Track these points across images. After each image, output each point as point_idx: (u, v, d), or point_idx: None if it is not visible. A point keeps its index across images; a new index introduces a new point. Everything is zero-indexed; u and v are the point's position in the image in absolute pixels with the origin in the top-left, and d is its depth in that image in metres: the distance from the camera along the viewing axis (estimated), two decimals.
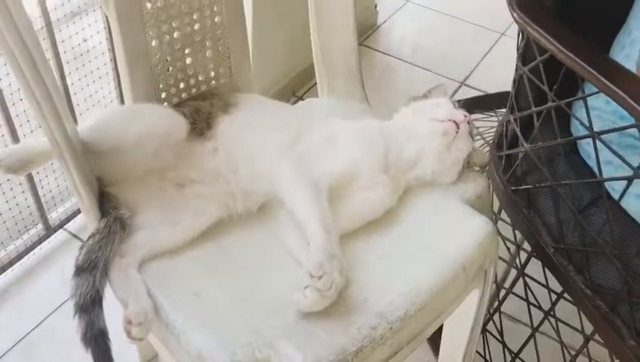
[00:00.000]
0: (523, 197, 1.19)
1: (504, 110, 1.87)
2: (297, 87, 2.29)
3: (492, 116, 1.86)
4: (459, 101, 1.14)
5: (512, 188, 1.22)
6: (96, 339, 0.87)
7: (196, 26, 1.10)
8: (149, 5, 1.03)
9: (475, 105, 1.90)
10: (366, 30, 2.57)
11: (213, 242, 1.00)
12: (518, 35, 1.19)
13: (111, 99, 1.73)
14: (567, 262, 1.09)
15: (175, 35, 1.09)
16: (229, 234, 1.02)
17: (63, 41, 1.57)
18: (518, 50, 1.19)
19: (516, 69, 1.20)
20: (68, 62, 1.57)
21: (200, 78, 1.17)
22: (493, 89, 2.33)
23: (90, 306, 0.87)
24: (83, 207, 0.97)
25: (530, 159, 1.17)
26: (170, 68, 1.12)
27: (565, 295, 1.14)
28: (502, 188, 1.25)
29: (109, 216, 0.95)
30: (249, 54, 1.22)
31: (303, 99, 2.27)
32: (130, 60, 1.04)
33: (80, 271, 0.90)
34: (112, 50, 1.51)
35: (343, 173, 1.00)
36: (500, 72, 2.38)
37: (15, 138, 1.49)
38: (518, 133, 1.19)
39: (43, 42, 1.48)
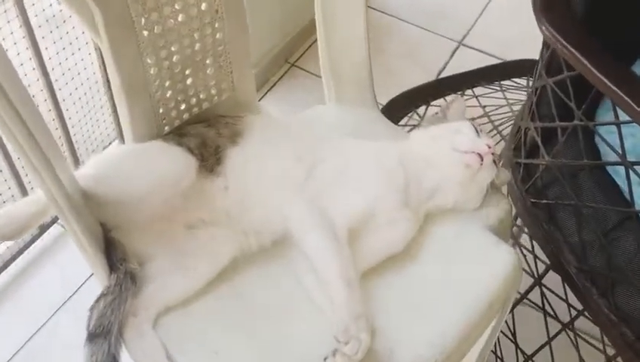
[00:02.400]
0: (543, 211, 1.15)
1: (509, 83, 1.82)
2: (290, 53, 2.18)
3: (497, 91, 1.79)
4: (474, 120, 1.07)
5: (532, 200, 1.17)
6: None
7: (197, 46, 1.01)
8: (145, 33, 0.93)
9: (477, 77, 1.82)
10: None
11: (229, 286, 0.95)
12: (544, 46, 1.11)
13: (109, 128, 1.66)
14: (590, 285, 1.06)
15: (174, 58, 1.00)
16: (244, 275, 0.97)
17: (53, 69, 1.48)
18: (541, 58, 1.12)
19: (539, 76, 1.13)
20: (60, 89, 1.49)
21: (201, 97, 1.09)
22: (493, 49, 2.25)
23: None
24: (89, 261, 0.91)
25: (551, 171, 1.12)
26: (170, 92, 1.03)
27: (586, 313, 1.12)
28: (520, 197, 1.20)
29: (119, 271, 0.89)
30: (250, 62, 1.13)
31: (296, 66, 2.17)
32: (128, 92, 0.95)
33: (93, 336, 0.85)
34: (107, 81, 1.41)
35: (362, 212, 0.95)
36: (498, 31, 2.30)
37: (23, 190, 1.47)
38: (540, 144, 1.13)
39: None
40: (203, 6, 0.97)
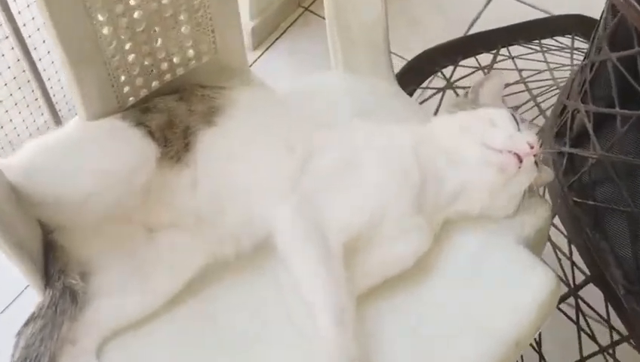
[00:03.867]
0: (588, 214, 0.94)
1: (551, 43, 1.57)
2: None
3: (537, 52, 1.54)
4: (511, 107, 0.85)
5: (575, 198, 0.96)
6: None
7: (168, 14, 0.79)
8: None
9: (514, 34, 1.57)
10: None
11: (193, 303, 0.77)
12: (608, 11, 0.87)
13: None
14: None
15: (135, 15, 0.79)
16: (212, 289, 0.78)
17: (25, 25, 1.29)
18: (603, 25, 0.88)
19: (596, 49, 0.90)
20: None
21: (175, 61, 0.88)
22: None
23: None
24: (20, 271, 0.73)
25: (603, 166, 0.91)
26: (133, 55, 0.82)
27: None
28: (560, 193, 0.99)
29: (54, 287, 0.71)
30: (239, 19, 0.92)
31: (310, 11, 1.94)
32: (74, 59, 0.75)
33: None
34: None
35: (365, 223, 0.75)
36: None
37: None
38: (591, 132, 0.91)
39: None
40: None
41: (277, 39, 1.86)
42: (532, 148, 0.76)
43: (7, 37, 1.24)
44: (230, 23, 0.89)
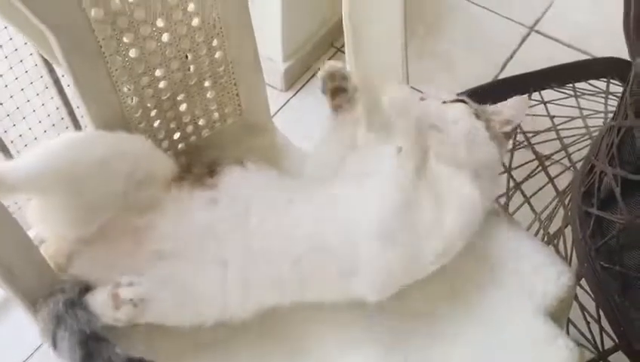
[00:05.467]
0: (617, 280, 0.92)
1: (585, 87, 1.54)
2: (337, 35, 1.95)
3: (570, 97, 1.52)
4: None
5: (603, 263, 0.94)
6: None
7: (190, 69, 0.82)
8: (119, 59, 0.74)
9: (547, 78, 1.55)
10: None
11: None
12: (634, 80, 0.86)
13: None
14: None
15: (161, 85, 0.81)
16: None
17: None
18: (629, 92, 0.87)
19: (623, 115, 0.89)
20: None
21: (200, 123, 0.90)
22: (569, 37, 1.96)
23: None
24: None
25: (632, 233, 0.89)
26: (158, 121, 0.85)
27: None
28: (587, 257, 0.97)
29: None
30: (263, 81, 0.93)
31: (342, 51, 1.94)
32: (101, 126, 0.77)
33: None
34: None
35: None
36: (577, 16, 2.00)
37: None
38: (619, 197, 0.89)
39: None
40: (195, 22, 0.78)
41: (309, 80, 1.87)
42: None
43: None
44: (254, 85, 0.91)
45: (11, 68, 1.23)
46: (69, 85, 0.73)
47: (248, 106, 0.93)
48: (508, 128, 0.87)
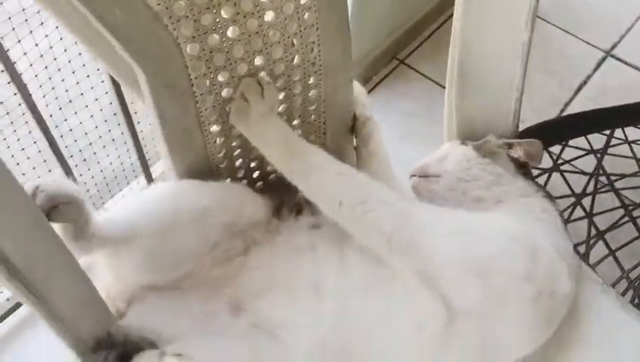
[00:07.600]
0: None
1: None
2: (400, 48, 1.86)
3: None
4: None
5: None
6: None
7: (280, 109, 0.73)
8: (210, 98, 0.66)
9: (632, 115, 1.44)
10: None
11: None
12: None
13: None
14: None
15: None
16: None
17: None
18: None
19: None
20: None
21: None
22: None
23: None
24: None
25: None
26: (240, 160, 0.77)
27: None
28: None
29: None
30: (350, 122, 0.85)
31: (405, 64, 1.85)
32: (181, 172, 0.70)
33: None
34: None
35: None
36: None
37: None
38: None
39: None
40: (296, 60, 0.69)
41: (369, 92, 1.78)
42: None
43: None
44: (342, 126, 0.83)
45: (70, 61, 1.18)
46: (150, 124, 0.65)
47: (334, 145, 0.84)
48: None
